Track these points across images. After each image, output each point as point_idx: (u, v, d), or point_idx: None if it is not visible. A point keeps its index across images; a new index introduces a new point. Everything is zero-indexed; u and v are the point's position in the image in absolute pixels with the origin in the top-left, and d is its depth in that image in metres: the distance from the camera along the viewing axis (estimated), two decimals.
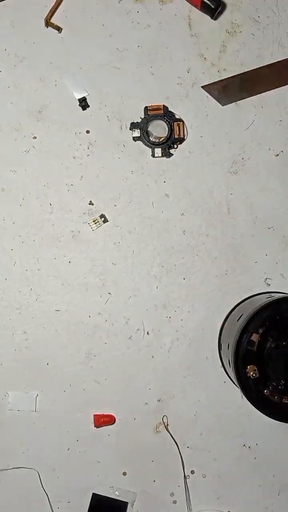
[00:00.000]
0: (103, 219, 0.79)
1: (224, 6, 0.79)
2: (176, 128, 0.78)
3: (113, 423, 0.78)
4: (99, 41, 0.79)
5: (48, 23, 0.78)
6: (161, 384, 0.78)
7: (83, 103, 0.78)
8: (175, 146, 0.79)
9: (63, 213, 0.79)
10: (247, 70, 0.79)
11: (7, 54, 0.78)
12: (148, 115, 0.78)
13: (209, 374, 0.78)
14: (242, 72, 0.79)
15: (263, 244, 0.79)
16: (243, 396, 0.64)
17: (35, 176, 0.79)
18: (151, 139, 0.78)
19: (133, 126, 0.78)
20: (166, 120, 0.78)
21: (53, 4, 0.78)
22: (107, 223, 0.79)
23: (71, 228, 0.79)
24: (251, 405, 0.65)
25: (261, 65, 0.79)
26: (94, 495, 0.78)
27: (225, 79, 0.79)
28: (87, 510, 0.78)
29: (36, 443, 0.78)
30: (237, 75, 0.79)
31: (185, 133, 0.78)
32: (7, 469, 0.78)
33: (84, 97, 0.78)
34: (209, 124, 0.79)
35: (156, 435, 0.78)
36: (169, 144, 0.78)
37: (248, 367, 0.62)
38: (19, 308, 0.78)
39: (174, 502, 0.78)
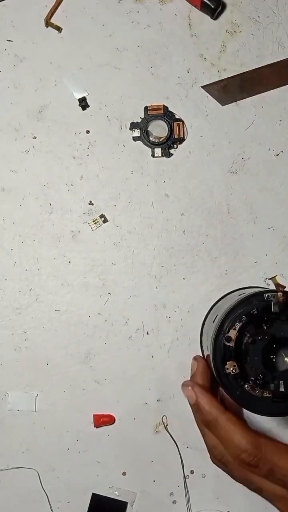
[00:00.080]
0: (103, 219, 0.79)
1: (224, 6, 0.79)
2: (176, 128, 0.78)
3: (112, 423, 0.78)
4: (99, 41, 0.79)
5: (48, 23, 0.78)
6: (160, 384, 0.78)
7: (83, 103, 0.78)
8: (175, 146, 0.79)
9: (63, 213, 0.79)
10: (247, 70, 0.79)
11: (7, 54, 0.79)
12: (148, 115, 0.78)
13: None
14: (242, 72, 0.79)
15: (263, 244, 0.79)
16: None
17: (35, 176, 0.79)
18: (151, 139, 0.78)
19: (133, 126, 0.78)
20: (166, 120, 0.78)
21: (53, 4, 0.78)
22: (107, 223, 0.79)
23: (71, 228, 0.79)
24: None
25: (261, 65, 0.79)
26: (93, 495, 0.78)
27: (225, 79, 0.79)
28: (87, 510, 0.78)
29: (36, 443, 0.78)
30: (237, 75, 0.79)
31: (185, 133, 0.78)
32: (7, 469, 0.78)
33: (84, 97, 0.78)
34: (209, 124, 0.79)
35: (155, 435, 0.78)
36: (169, 144, 0.78)
37: (228, 363, 0.62)
38: (18, 308, 0.78)
39: (174, 502, 0.78)
